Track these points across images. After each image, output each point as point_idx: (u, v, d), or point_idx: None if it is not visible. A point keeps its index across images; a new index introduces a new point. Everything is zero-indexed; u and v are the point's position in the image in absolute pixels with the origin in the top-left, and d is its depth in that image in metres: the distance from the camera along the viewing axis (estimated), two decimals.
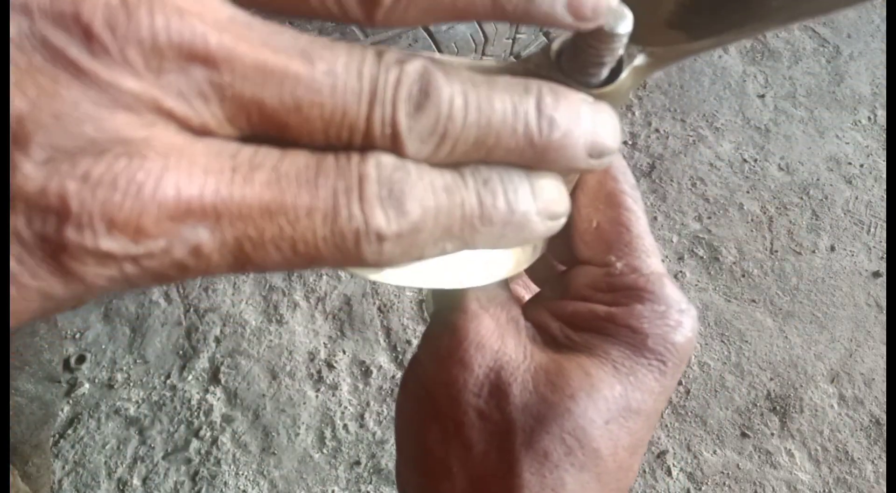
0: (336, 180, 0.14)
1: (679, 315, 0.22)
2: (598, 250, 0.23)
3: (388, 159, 0.15)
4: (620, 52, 0.17)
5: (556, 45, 0.18)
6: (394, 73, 0.14)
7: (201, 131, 0.14)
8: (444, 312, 0.23)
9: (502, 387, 0.22)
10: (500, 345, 0.22)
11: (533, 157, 0.16)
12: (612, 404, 0.21)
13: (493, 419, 0.22)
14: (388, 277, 0.18)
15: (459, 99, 0.15)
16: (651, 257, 0.23)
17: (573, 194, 0.23)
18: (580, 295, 0.23)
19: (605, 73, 0.18)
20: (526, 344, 0.23)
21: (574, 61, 0.17)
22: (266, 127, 0.14)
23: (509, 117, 0.15)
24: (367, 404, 0.98)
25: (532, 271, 0.27)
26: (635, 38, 0.17)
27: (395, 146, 0.15)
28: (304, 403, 0.98)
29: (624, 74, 0.18)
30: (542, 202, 0.17)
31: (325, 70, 0.14)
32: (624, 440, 0.21)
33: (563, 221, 0.18)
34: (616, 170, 0.23)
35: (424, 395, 0.23)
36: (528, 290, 0.28)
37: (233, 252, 0.14)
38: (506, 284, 0.24)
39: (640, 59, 0.18)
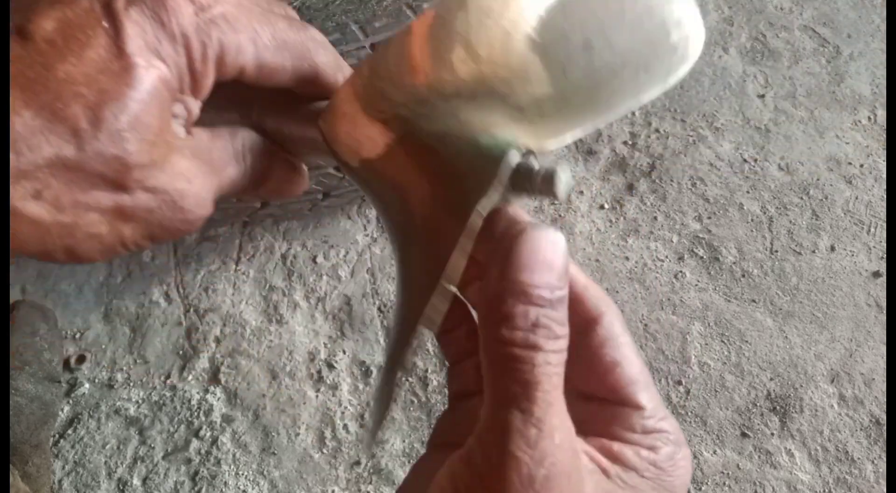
0: None
1: (688, 452, 0.26)
2: (629, 391, 0.26)
3: None
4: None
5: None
6: None
7: None
8: None
9: None
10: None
11: None
12: None
13: None
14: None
15: None
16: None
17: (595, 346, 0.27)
18: (613, 435, 0.25)
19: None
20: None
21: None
22: None
23: None
24: (368, 404, 0.98)
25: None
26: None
27: None
28: (304, 403, 0.98)
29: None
30: None
31: None
32: None
33: None
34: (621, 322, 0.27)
35: None
36: None
37: None
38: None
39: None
